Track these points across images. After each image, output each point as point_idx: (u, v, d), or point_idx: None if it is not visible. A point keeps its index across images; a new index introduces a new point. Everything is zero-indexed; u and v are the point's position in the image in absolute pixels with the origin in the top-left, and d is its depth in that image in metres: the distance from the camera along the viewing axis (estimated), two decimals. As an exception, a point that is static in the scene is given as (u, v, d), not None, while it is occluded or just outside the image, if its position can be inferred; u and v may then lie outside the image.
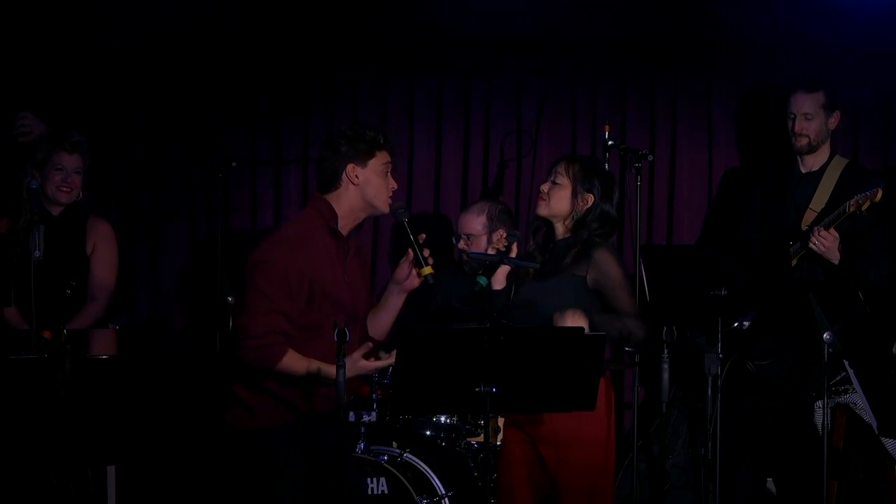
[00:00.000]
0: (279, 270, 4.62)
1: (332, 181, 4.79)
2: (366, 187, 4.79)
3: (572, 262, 5.06)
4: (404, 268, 4.86)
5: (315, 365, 4.62)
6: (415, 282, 4.87)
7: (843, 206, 6.01)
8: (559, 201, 5.13)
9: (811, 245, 6.08)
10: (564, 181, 5.13)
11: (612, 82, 6.96)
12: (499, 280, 5.14)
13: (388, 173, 4.84)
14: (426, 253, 4.84)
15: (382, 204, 4.83)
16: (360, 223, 4.89)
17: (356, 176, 4.77)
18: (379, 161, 4.80)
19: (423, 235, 4.85)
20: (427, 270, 4.83)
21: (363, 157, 4.77)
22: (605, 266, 5.03)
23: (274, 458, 4.66)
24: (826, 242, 6.07)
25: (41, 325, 5.06)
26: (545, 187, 5.17)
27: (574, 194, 5.11)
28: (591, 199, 5.10)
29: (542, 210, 5.17)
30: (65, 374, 4.48)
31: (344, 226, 4.81)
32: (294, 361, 4.62)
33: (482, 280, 5.11)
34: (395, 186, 4.87)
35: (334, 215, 4.78)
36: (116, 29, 6.71)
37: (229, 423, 4.71)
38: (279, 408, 4.67)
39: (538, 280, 5.13)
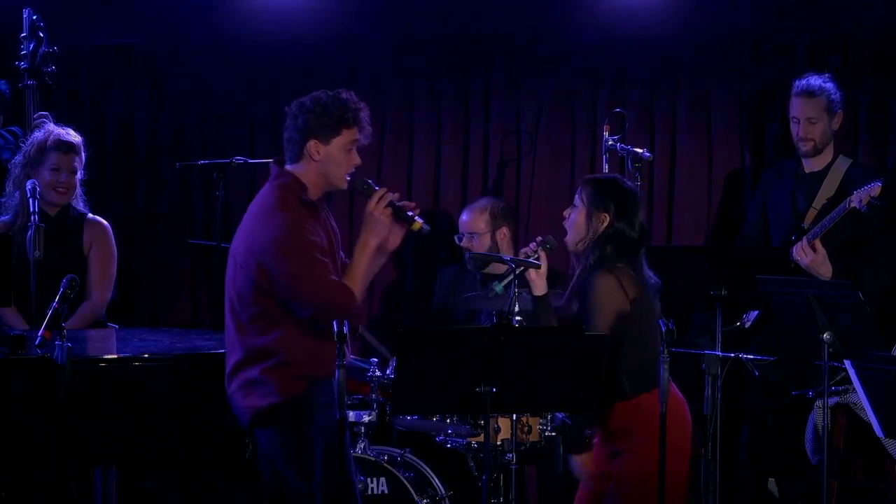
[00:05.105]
0: (303, 246, 4.60)
1: (293, 153, 4.72)
2: (326, 164, 4.70)
3: (576, 287, 4.88)
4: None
5: (357, 268, 4.68)
6: (397, 241, 4.80)
7: (843, 203, 5.98)
8: (574, 226, 4.90)
9: (795, 257, 6.01)
10: (580, 203, 4.91)
11: (613, 82, 6.95)
12: (538, 287, 4.92)
13: (353, 150, 4.72)
14: (411, 207, 4.75)
15: (339, 182, 4.74)
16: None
17: (317, 152, 4.67)
18: (343, 139, 4.69)
19: (397, 194, 4.76)
20: (417, 225, 4.74)
21: (328, 135, 4.67)
22: (587, 292, 4.79)
23: (311, 410, 4.66)
24: (808, 258, 5.99)
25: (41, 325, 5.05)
26: (566, 212, 4.97)
27: (588, 216, 4.87)
28: (605, 218, 4.86)
29: (567, 238, 4.94)
30: (65, 374, 4.48)
31: (314, 194, 4.74)
32: (359, 289, 4.66)
33: (498, 288, 5.06)
34: (358, 163, 4.74)
35: (303, 187, 4.70)
36: (117, 28, 6.71)
37: (256, 406, 4.68)
38: (296, 377, 4.67)
39: (557, 301, 4.96)
